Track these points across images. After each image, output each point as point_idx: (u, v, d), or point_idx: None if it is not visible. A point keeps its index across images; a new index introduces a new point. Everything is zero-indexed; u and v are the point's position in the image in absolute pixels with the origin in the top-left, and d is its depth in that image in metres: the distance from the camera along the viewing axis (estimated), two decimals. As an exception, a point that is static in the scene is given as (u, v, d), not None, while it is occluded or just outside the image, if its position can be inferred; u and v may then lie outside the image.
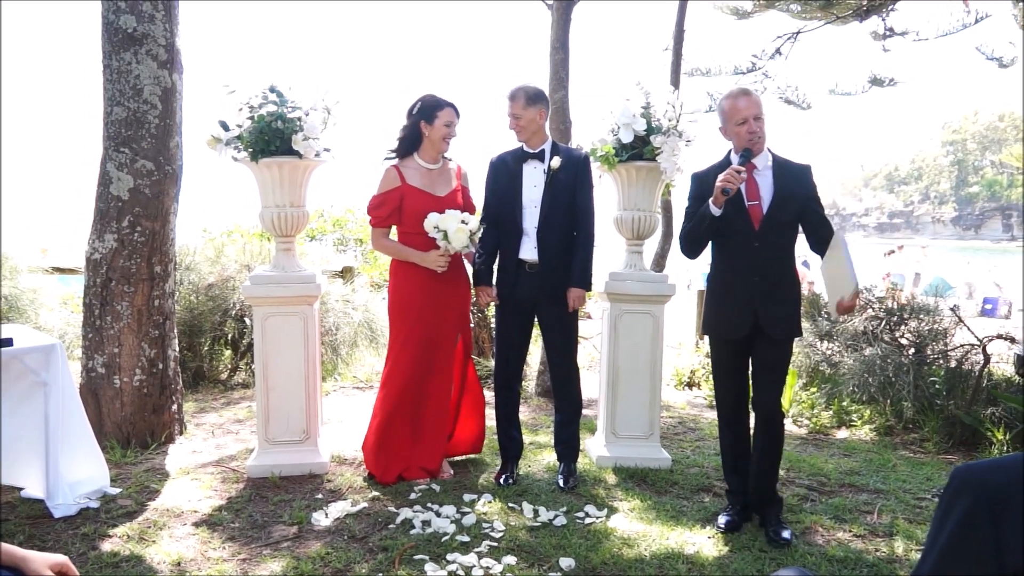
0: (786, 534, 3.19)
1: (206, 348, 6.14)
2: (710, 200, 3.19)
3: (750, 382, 3.41)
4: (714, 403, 3.58)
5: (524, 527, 3.28)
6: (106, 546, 3.03)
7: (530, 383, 5.95)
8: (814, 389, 5.72)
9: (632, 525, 3.35)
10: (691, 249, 3.40)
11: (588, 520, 3.39)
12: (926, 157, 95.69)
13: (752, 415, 3.40)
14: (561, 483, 3.78)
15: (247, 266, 6.24)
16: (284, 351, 3.89)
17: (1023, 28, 6.48)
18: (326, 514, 3.37)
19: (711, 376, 3.74)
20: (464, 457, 4.22)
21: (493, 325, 5.84)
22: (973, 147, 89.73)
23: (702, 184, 3.31)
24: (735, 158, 3.21)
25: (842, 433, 5.23)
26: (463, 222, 3.61)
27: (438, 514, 3.36)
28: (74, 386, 3.50)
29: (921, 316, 5.49)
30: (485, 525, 3.27)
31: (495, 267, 3.92)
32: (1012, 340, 5.37)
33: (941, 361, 5.24)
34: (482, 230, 3.70)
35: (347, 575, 2.85)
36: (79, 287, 6.00)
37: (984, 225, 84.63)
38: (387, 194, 3.76)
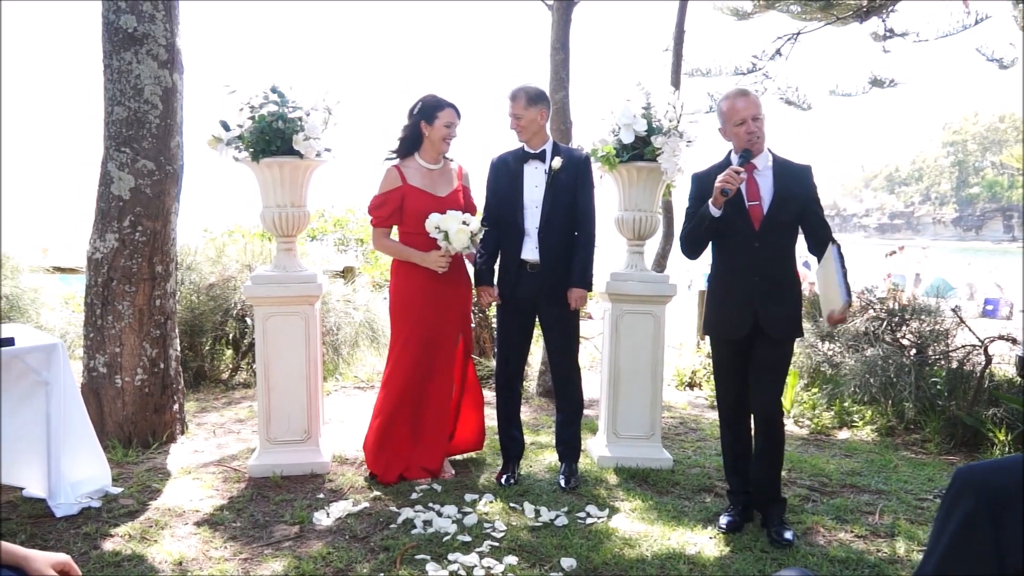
0: (788, 535, 3.19)
1: (207, 348, 6.14)
2: (709, 201, 3.19)
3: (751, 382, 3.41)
4: (715, 403, 3.59)
5: (525, 527, 3.28)
6: (108, 545, 3.03)
7: (531, 383, 5.95)
8: (815, 390, 5.72)
9: (633, 525, 3.35)
10: (691, 250, 3.41)
11: (589, 520, 3.39)
12: (927, 158, 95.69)
13: (753, 415, 3.40)
14: (562, 483, 3.78)
15: (248, 266, 6.25)
16: (285, 351, 3.89)
17: (1023, 29, 6.48)
18: (327, 514, 3.37)
19: (712, 376, 3.74)
20: (465, 457, 4.22)
21: (494, 325, 5.85)
22: (974, 148, 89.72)
23: (702, 184, 3.31)
24: (735, 159, 3.21)
25: (843, 434, 5.23)
26: (464, 223, 3.61)
27: (439, 514, 3.36)
28: (76, 385, 3.50)
29: (922, 317, 5.49)
30: (486, 525, 3.27)
31: (496, 267, 3.92)
32: (1014, 341, 5.37)
33: (942, 362, 5.24)
34: (483, 231, 3.70)
35: (348, 575, 2.85)
36: (80, 287, 6.00)
37: (985, 226, 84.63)
38: (388, 194, 3.76)
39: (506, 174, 3.84)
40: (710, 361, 3.86)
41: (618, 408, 4.20)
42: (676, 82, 7.10)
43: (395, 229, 3.85)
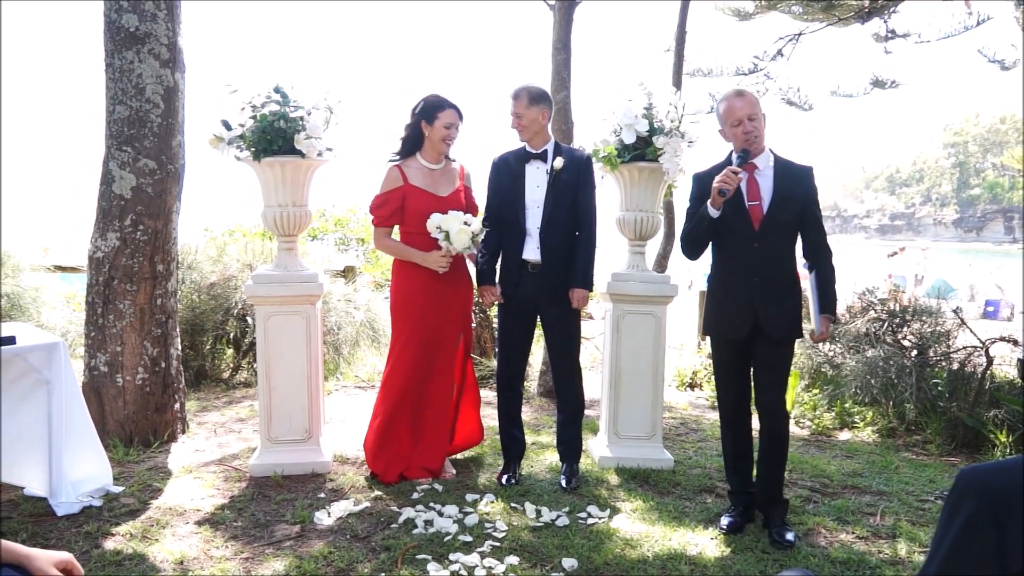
0: (790, 536, 3.18)
1: (208, 347, 6.14)
2: (708, 201, 3.19)
3: (751, 383, 3.41)
4: (716, 404, 3.59)
5: (527, 527, 3.28)
6: (109, 544, 3.03)
7: (532, 383, 5.95)
8: (816, 391, 5.72)
9: (635, 526, 3.35)
10: (691, 250, 3.40)
11: (591, 521, 3.38)
12: (927, 159, 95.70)
13: (755, 416, 3.40)
14: (563, 483, 3.78)
15: (249, 265, 6.25)
16: (286, 350, 3.89)
17: (1025, 30, 6.48)
18: (328, 513, 3.36)
19: (712, 377, 3.74)
20: (466, 457, 4.22)
21: (495, 325, 5.85)
22: (975, 149, 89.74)
23: (704, 184, 3.31)
24: (735, 159, 3.21)
25: (844, 435, 5.22)
26: (465, 223, 3.61)
27: (440, 514, 3.36)
28: (77, 384, 3.50)
29: (923, 318, 5.49)
30: (488, 525, 3.27)
31: (497, 267, 3.92)
32: (1015, 343, 5.36)
33: (944, 363, 5.24)
34: (484, 232, 3.70)
35: (350, 574, 2.85)
36: (81, 285, 6.00)
37: (986, 227, 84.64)
38: (389, 194, 3.76)
39: (507, 174, 3.84)
40: (711, 361, 3.86)
41: (619, 408, 4.20)
42: (678, 82, 7.10)
43: (396, 229, 3.85)
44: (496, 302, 3.90)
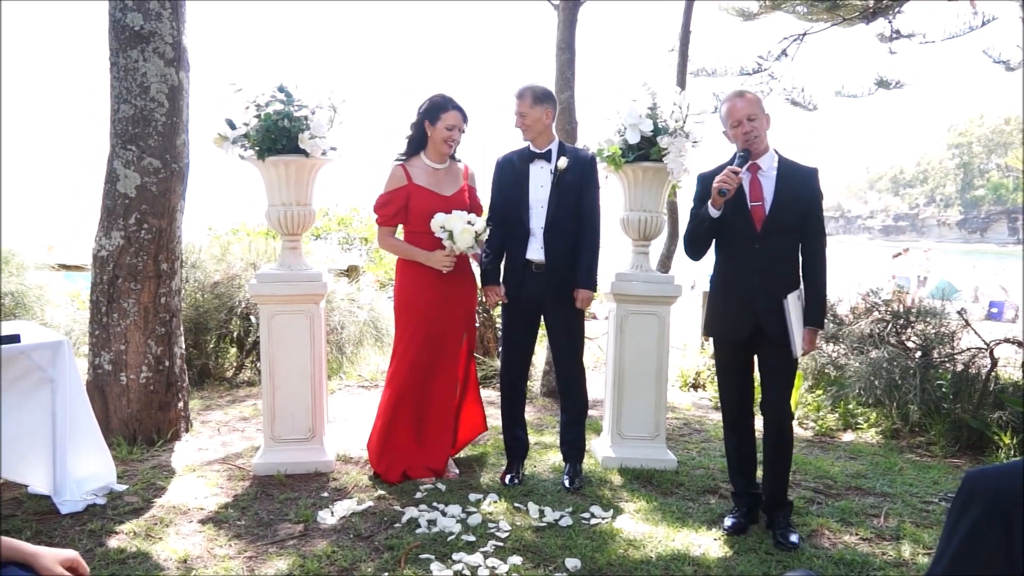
0: (794, 538, 3.18)
1: (212, 346, 6.15)
2: (709, 202, 3.19)
3: (755, 384, 3.40)
4: (719, 404, 3.59)
5: (530, 527, 3.28)
6: (113, 543, 3.03)
7: (535, 383, 5.95)
8: (820, 392, 5.70)
9: (638, 526, 3.35)
10: (693, 250, 3.40)
11: (594, 521, 3.38)
12: (932, 160, 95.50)
13: (759, 417, 3.39)
14: (567, 483, 3.78)
15: (253, 264, 6.25)
16: (290, 349, 3.90)
17: (1030, 30, 6.45)
18: (332, 512, 3.37)
19: (716, 377, 3.74)
20: (469, 456, 4.22)
21: (499, 325, 5.84)
22: (979, 150, 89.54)
23: (707, 185, 3.30)
24: (736, 159, 3.21)
25: (848, 436, 5.21)
26: (469, 223, 3.60)
27: (444, 513, 3.36)
28: (81, 383, 3.51)
29: (927, 319, 5.48)
30: (491, 525, 3.27)
31: (501, 267, 3.92)
32: (1020, 344, 5.35)
33: (948, 364, 5.22)
34: (488, 232, 3.69)
35: (353, 574, 2.85)
36: (85, 284, 6.00)
37: (990, 228, 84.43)
38: (393, 193, 3.76)
39: (511, 174, 3.83)
40: (714, 362, 3.86)
41: (622, 409, 4.19)
42: (682, 82, 7.09)
43: (400, 228, 3.85)
44: (500, 302, 3.90)
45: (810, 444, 4.95)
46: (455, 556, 2.96)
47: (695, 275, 16.64)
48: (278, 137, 3.68)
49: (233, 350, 6.31)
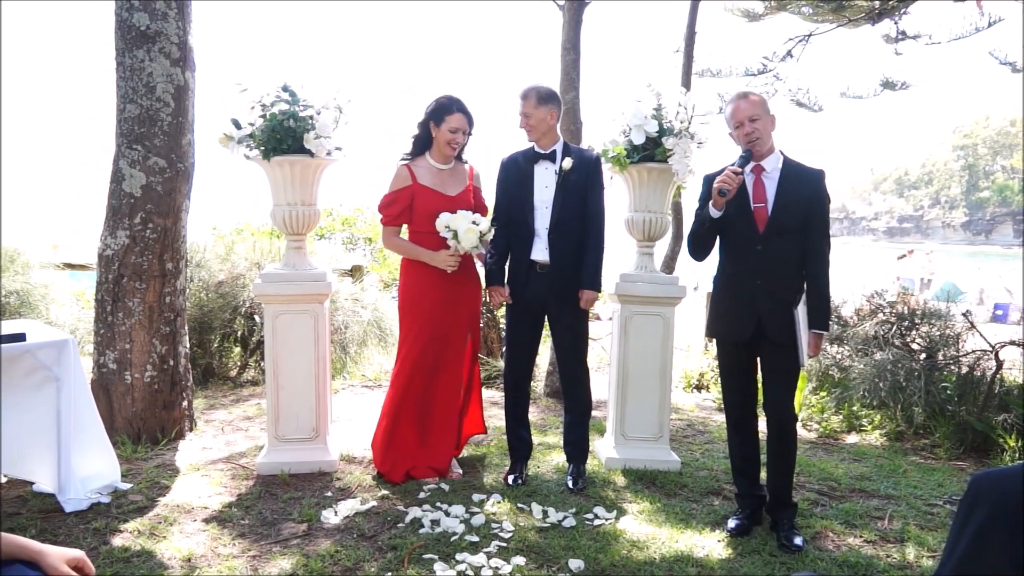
0: (798, 540, 3.17)
1: (216, 345, 6.16)
2: (710, 202, 3.19)
3: (758, 385, 3.39)
4: (723, 406, 3.58)
5: (533, 528, 3.27)
6: (117, 541, 3.04)
7: (539, 384, 5.95)
8: (824, 393, 5.69)
9: (641, 527, 3.34)
10: (697, 251, 3.39)
11: (597, 522, 3.38)
12: (936, 161, 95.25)
13: (762, 418, 3.38)
14: (570, 484, 3.78)
15: (257, 264, 6.26)
16: (294, 349, 3.90)
17: (1036, 32, 6.44)
18: (335, 512, 3.37)
19: (719, 378, 3.73)
20: (473, 456, 4.22)
21: (503, 325, 5.84)
22: (984, 152, 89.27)
23: (711, 186, 3.30)
24: (738, 160, 3.21)
25: (852, 438, 5.20)
26: (474, 223, 3.61)
27: (447, 514, 3.36)
28: (86, 381, 3.52)
29: (932, 321, 5.46)
30: (494, 525, 3.27)
31: (506, 267, 3.92)
32: (1025, 346, 5.32)
33: (953, 367, 5.20)
34: (492, 232, 3.69)
35: (356, 573, 2.85)
36: (89, 283, 6.03)
37: (995, 230, 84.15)
38: (398, 193, 3.76)
39: (516, 174, 3.83)
40: (717, 363, 3.86)
41: (626, 409, 4.19)
42: (687, 83, 7.09)
43: (405, 228, 3.86)
44: (504, 302, 3.90)
45: (814, 446, 4.94)
46: (458, 556, 2.96)
47: (698, 277, 16.64)
48: (283, 137, 3.69)
49: (237, 349, 6.32)
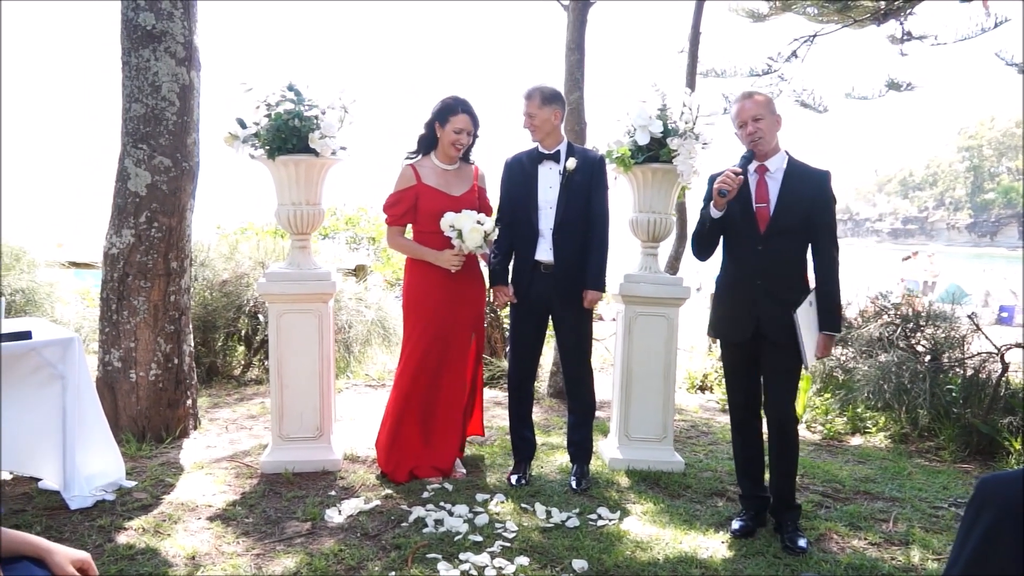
0: (802, 542, 3.16)
1: (220, 344, 6.18)
2: (711, 202, 3.18)
3: (761, 385, 3.38)
4: (726, 406, 3.58)
5: (537, 528, 3.27)
6: (121, 538, 3.05)
7: (542, 384, 5.95)
8: (828, 395, 5.68)
9: (645, 528, 3.34)
10: (700, 250, 3.39)
11: (601, 522, 3.38)
12: (941, 163, 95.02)
13: (765, 420, 3.37)
14: (574, 485, 3.78)
15: (261, 263, 6.28)
16: (299, 348, 3.90)
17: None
18: (339, 511, 3.37)
19: (723, 379, 3.73)
20: (476, 456, 4.22)
21: (506, 325, 5.84)
22: (989, 153, 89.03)
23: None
24: (740, 160, 3.21)
25: (856, 440, 5.19)
26: (478, 222, 3.61)
27: (451, 513, 3.36)
28: (91, 380, 3.53)
29: (937, 323, 5.44)
30: (498, 525, 3.27)
31: (510, 267, 3.91)
32: (1030, 348, 5.31)
33: (958, 369, 5.19)
34: (497, 231, 3.69)
35: (360, 572, 2.85)
36: (94, 281, 6.04)
37: (1000, 232, 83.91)
38: (402, 192, 3.77)
39: (520, 174, 3.83)
40: (721, 364, 3.85)
41: (630, 410, 4.19)
42: (691, 83, 7.08)
43: (409, 228, 3.86)
44: (508, 302, 3.90)
45: (818, 448, 4.93)
46: (462, 556, 2.96)
47: (701, 277, 16.63)
48: (288, 136, 3.69)
49: (241, 348, 6.33)
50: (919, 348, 5.40)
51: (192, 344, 4.60)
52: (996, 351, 5.08)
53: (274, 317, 3.90)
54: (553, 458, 4.27)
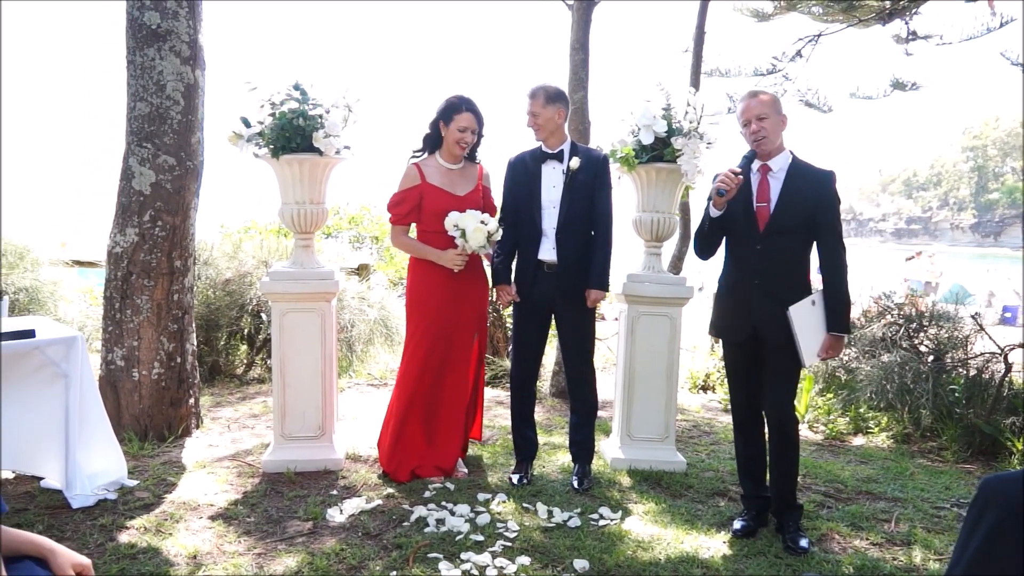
0: (804, 543, 3.16)
1: (222, 343, 6.18)
2: (710, 201, 3.18)
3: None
4: (728, 406, 3.57)
5: (538, 528, 3.27)
6: (123, 537, 3.05)
7: (545, 383, 5.95)
8: (830, 395, 5.68)
9: (647, 528, 3.34)
10: (701, 249, 3.39)
11: (602, 522, 3.38)
12: (945, 162, 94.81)
13: (765, 420, 3.37)
14: (575, 484, 3.78)
15: (264, 262, 6.29)
16: (301, 347, 3.91)
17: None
18: (341, 510, 3.38)
19: (726, 379, 3.72)
20: (478, 456, 4.22)
21: (509, 325, 5.84)
22: (994, 153, 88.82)
23: None
24: (742, 160, 3.20)
25: (859, 440, 5.18)
26: (482, 222, 3.61)
27: (452, 513, 3.36)
28: (93, 378, 3.53)
29: (940, 323, 5.43)
30: (499, 525, 3.27)
31: (512, 267, 3.91)
32: (1034, 349, 5.30)
33: (961, 369, 5.18)
34: (500, 232, 3.69)
35: (361, 572, 2.85)
36: (97, 280, 6.06)
37: (1004, 232, 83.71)
38: (407, 192, 3.77)
39: (523, 174, 3.83)
40: (723, 364, 3.85)
41: (632, 410, 4.18)
42: (696, 83, 7.07)
43: (413, 227, 3.86)
44: (511, 302, 3.90)
45: (820, 448, 4.92)
46: (463, 555, 2.96)
47: (703, 277, 16.62)
48: (292, 135, 3.70)
49: (244, 347, 6.34)
50: (922, 348, 5.39)
51: (195, 343, 4.61)
52: (999, 351, 5.07)
53: (277, 316, 3.90)
54: (555, 458, 4.27)
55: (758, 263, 3.18)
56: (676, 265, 6.86)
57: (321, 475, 3.85)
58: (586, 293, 3.76)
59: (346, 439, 4.39)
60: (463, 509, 3.40)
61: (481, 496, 3.59)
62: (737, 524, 3.32)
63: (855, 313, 6.08)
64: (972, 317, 5.59)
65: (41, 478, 3.51)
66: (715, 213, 3.19)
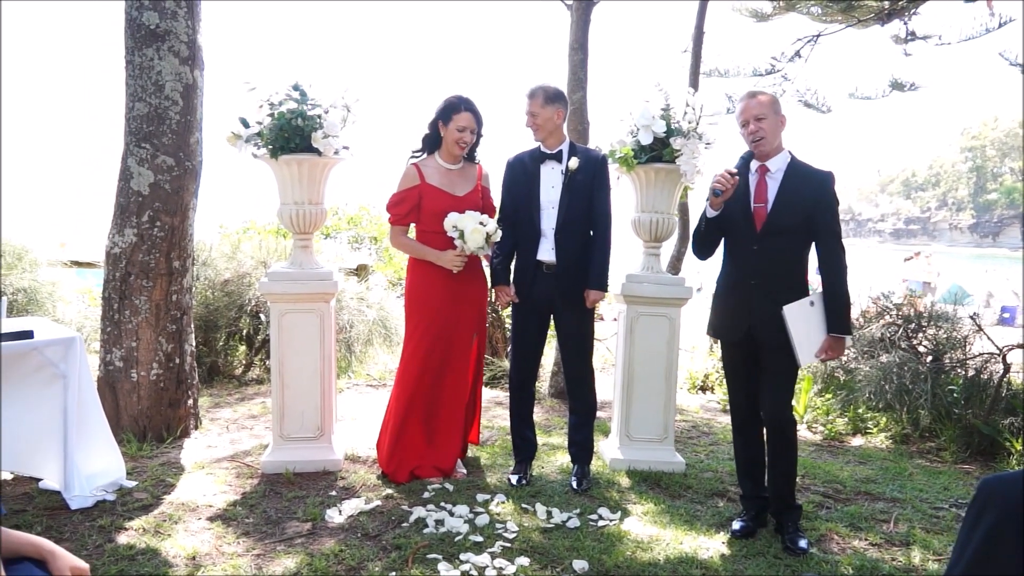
0: (803, 543, 3.16)
1: (221, 343, 6.18)
2: (707, 202, 3.19)
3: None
4: (728, 407, 3.57)
5: (537, 528, 3.27)
6: (122, 539, 3.05)
7: (544, 384, 5.95)
8: (829, 395, 5.68)
9: (646, 529, 3.34)
10: (699, 249, 3.40)
11: (601, 523, 3.38)
12: (944, 163, 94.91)
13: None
14: (575, 485, 3.77)
15: (263, 263, 6.28)
16: (300, 348, 3.90)
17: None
18: (340, 511, 3.37)
19: (725, 380, 3.72)
20: (477, 457, 4.22)
21: (508, 325, 5.84)
22: (992, 153, 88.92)
23: None
24: (739, 160, 3.21)
25: (857, 440, 5.18)
26: (481, 223, 3.61)
27: (451, 513, 3.36)
28: (92, 379, 3.53)
29: (939, 324, 5.44)
30: (498, 525, 3.27)
31: (511, 267, 3.91)
32: (1033, 349, 5.30)
33: (959, 369, 5.18)
34: (499, 233, 3.68)
35: (360, 573, 2.85)
36: (96, 281, 6.05)
37: (1002, 233, 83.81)
38: (406, 192, 3.76)
39: (522, 174, 3.83)
40: (722, 364, 3.85)
41: (631, 410, 4.18)
42: (695, 83, 7.08)
43: (412, 227, 3.86)
44: (510, 302, 3.90)
45: (819, 448, 4.92)
46: (462, 556, 2.96)
47: (702, 278, 16.62)
48: (291, 136, 3.69)
49: (242, 348, 6.33)
50: (921, 349, 5.40)
51: (193, 344, 4.60)
52: (998, 352, 5.08)
53: (276, 316, 3.90)
54: (554, 458, 4.27)
55: (756, 263, 3.18)
56: (675, 265, 6.87)
57: (320, 476, 3.84)
58: (585, 293, 3.76)
59: (345, 440, 4.39)
60: (462, 510, 3.40)
61: (480, 497, 3.59)
62: (736, 525, 3.32)
63: (855, 313, 6.09)
64: (971, 317, 5.59)
65: (39, 479, 3.50)
66: (711, 213, 3.20)
